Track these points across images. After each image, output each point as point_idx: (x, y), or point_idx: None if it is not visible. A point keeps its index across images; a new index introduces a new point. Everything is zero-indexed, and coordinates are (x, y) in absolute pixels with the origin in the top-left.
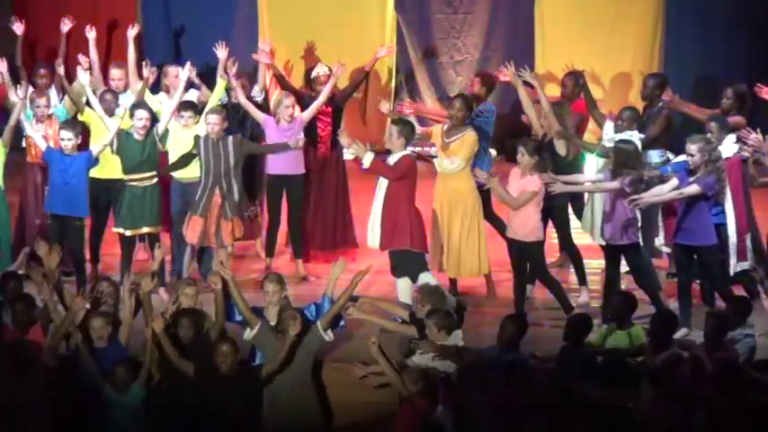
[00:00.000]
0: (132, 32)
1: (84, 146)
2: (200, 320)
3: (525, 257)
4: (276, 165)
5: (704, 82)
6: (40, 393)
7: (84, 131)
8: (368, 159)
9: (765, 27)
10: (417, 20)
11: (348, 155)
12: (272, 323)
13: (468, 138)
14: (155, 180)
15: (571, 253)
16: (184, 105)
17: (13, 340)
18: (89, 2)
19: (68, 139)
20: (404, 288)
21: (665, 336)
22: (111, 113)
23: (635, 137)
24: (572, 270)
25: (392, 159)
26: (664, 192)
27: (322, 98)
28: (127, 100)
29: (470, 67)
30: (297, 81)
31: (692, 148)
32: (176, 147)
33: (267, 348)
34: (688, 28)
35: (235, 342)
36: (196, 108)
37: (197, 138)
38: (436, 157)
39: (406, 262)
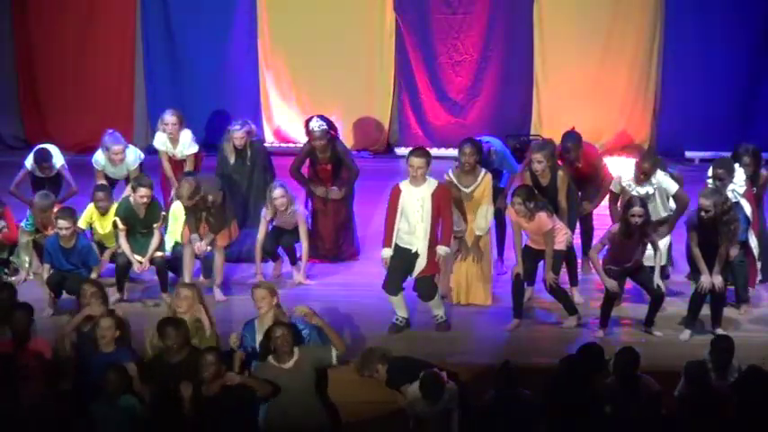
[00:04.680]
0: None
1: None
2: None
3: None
4: None
5: (703, 81)
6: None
7: None
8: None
9: (765, 29)
10: (416, 20)
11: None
12: (262, 331)
13: (487, 180)
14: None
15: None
16: None
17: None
18: (88, 2)
19: (66, 228)
20: (397, 301)
21: (629, 373)
22: (104, 211)
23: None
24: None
25: (430, 189)
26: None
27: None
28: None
29: (469, 67)
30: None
31: (707, 203)
32: None
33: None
34: (689, 27)
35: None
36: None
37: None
38: None
39: (429, 286)
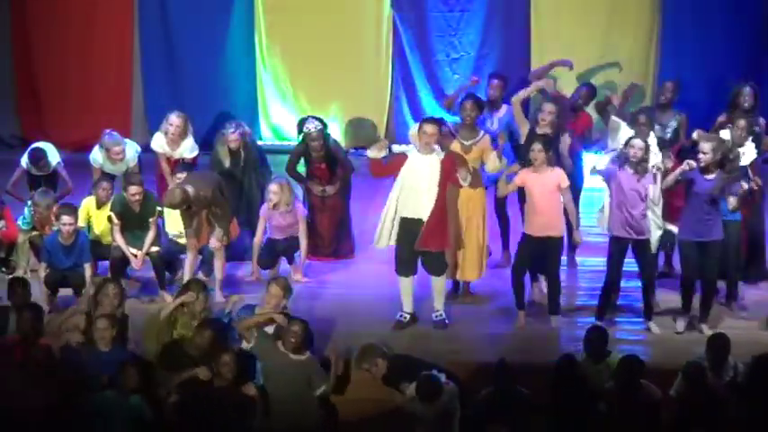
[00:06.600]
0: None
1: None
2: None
3: (552, 252)
4: None
5: (703, 69)
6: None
7: None
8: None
9: (764, 28)
10: (414, 18)
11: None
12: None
13: (486, 139)
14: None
15: None
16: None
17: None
18: (86, 1)
19: (70, 224)
20: (407, 286)
21: (633, 380)
22: (104, 201)
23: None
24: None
25: (439, 157)
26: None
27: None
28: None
29: (467, 64)
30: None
31: (706, 146)
32: None
33: (267, 357)
34: (686, 19)
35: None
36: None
37: None
38: None
39: (439, 260)
